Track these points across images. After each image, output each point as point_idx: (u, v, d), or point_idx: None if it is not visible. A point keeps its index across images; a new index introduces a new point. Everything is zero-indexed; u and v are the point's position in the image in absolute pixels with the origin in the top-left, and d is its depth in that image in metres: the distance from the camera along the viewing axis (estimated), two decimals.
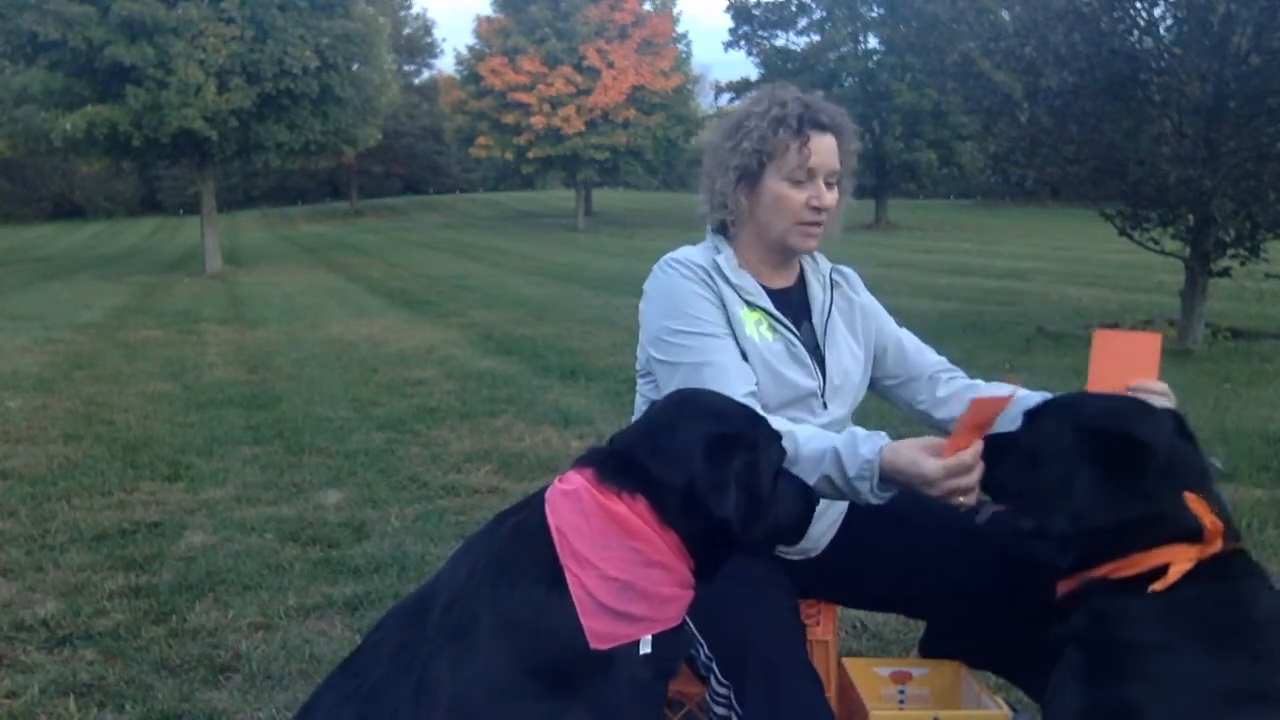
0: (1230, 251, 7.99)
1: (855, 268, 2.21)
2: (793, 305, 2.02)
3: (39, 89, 16.15)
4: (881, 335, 2.13)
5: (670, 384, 1.86)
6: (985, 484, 1.64)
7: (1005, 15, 8.44)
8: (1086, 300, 11.33)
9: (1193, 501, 1.48)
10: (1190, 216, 7.99)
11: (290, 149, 18.42)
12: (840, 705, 1.93)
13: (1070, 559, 1.58)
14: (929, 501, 2.06)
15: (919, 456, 1.59)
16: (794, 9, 32.50)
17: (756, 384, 1.85)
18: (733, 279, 1.94)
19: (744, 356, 1.88)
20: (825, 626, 2.00)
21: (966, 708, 1.98)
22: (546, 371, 7.31)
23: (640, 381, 2.03)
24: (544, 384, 6.86)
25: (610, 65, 30.51)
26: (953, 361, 2.18)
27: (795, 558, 1.97)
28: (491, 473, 4.65)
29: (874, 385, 2.13)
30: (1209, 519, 1.47)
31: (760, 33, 33.17)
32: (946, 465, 1.57)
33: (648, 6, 32.83)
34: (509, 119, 30.65)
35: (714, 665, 1.70)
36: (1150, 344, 1.81)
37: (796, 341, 1.95)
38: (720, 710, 1.68)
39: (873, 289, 2.21)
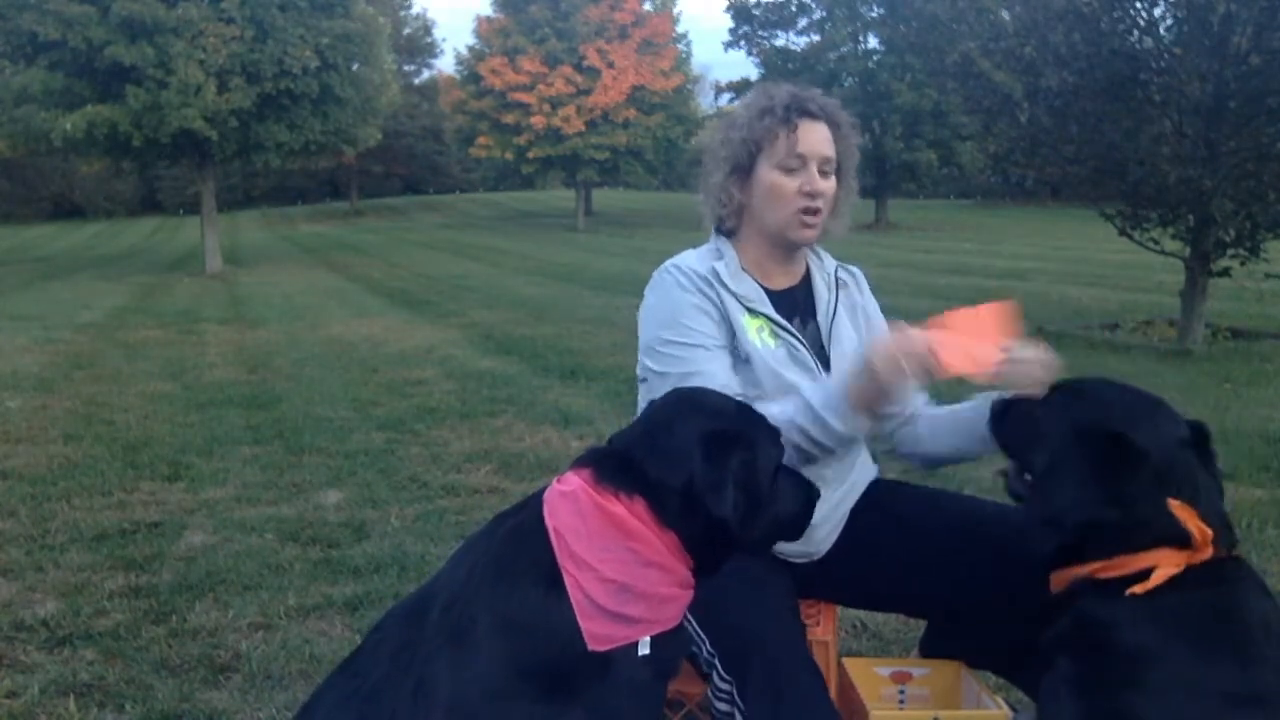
0: (1230, 251, 7.99)
1: (858, 267, 2.21)
2: (797, 305, 2.02)
3: (39, 89, 16.14)
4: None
5: (661, 392, 1.85)
6: (999, 438, 1.76)
7: (1005, 15, 8.44)
8: (1086, 300, 11.32)
9: (1178, 509, 1.48)
10: (1190, 216, 7.98)
11: (290, 149, 18.40)
12: (840, 705, 1.93)
13: (1054, 546, 1.60)
14: (930, 502, 2.07)
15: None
16: (794, 9, 32.49)
17: (745, 396, 1.83)
18: (733, 286, 1.93)
19: (748, 361, 1.88)
20: (825, 626, 2.00)
21: (966, 708, 1.98)
22: (546, 371, 7.31)
23: (641, 385, 2.03)
24: (544, 384, 6.86)
25: (610, 65, 30.50)
26: None
27: (797, 560, 1.97)
28: (491, 473, 4.65)
29: None
30: (1196, 526, 1.47)
31: (760, 33, 33.16)
32: (892, 338, 1.67)
33: (648, 6, 32.82)
34: (509, 119, 30.64)
35: (716, 661, 1.70)
36: (995, 313, 1.76)
37: (799, 345, 1.94)
38: (723, 706, 1.68)
39: (873, 289, 2.20)
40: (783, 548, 1.93)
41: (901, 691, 2.04)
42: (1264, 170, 7.43)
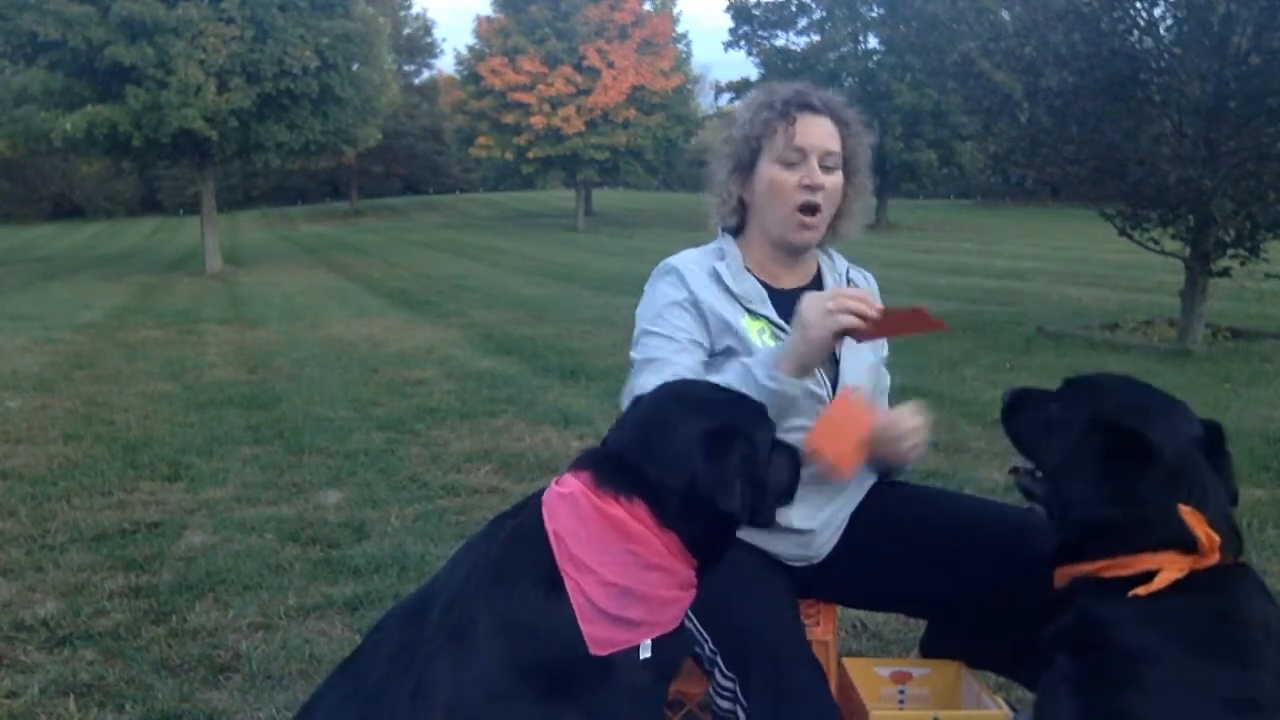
0: (1230, 251, 8.00)
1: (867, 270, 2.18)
2: None
3: (39, 89, 16.13)
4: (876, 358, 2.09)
5: (635, 380, 1.86)
6: (1009, 431, 1.74)
7: (1005, 15, 8.44)
8: (1086, 300, 11.33)
9: (1187, 514, 1.47)
10: (1190, 216, 7.99)
11: (290, 149, 18.40)
12: (840, 705, 1.93)
13: (1058, 542, 1.59)
14: (930, 502, 2.07)
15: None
16: (794, 9, 32.50)
17: None
18: (734, 287, 1.93)
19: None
20: (825, 626, 2.00)
21: (966, 708, 1.98)
22: (546, 371, 7.31)
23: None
24: (544, 384, 6.86)
25: (610, 65, 30.50)
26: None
27: (797, 564, 1.96)
28: (491, 473, 4.65)
29: None
30: (1203, 531, 1.46)
31: (760, 33, 33.18)
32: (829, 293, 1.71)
33: (648, 6, 32.82)
34: (509, 119, 30.64)
35: (719, 660, 1.70)
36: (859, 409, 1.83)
37: None
38: (725, 704, 1.68)
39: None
40: (782, 551, 1.93)
41: (901, 691, 2.04)
42: (1264, 170, 7.43)
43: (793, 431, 1.75)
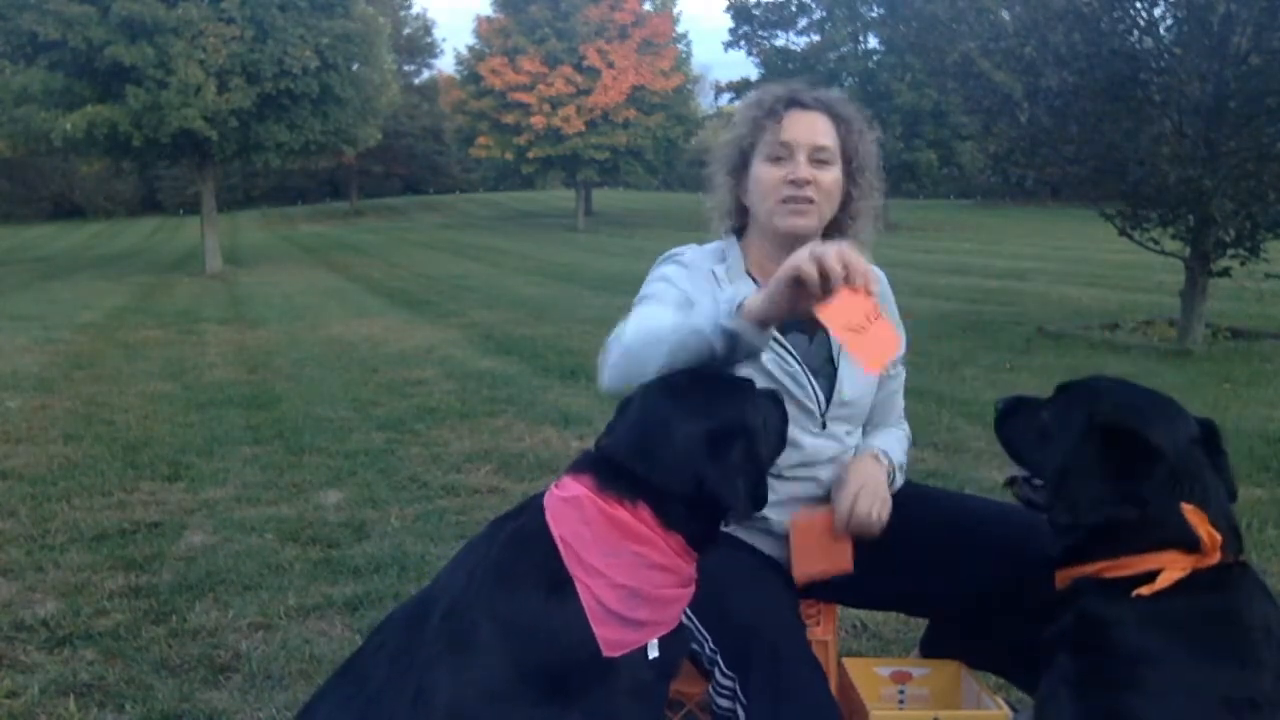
0: (1230, 251, 8.00)
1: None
2: None
3: (39, 89, 16.13)
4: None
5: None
6: (1003, 439, 1.72)
7: (1005, 15, 8.44)
8: (1086, 300, 11.33)
9: (1190, 513, 1.47)
10: (1190, 216, 7.99)
11: (290, 149, 18.41)
12: (840, 705, 1.93)
13: (1062, 546, 1.59)
14: (929, 502, 2.07)
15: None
16: (794, 9, 32.54)
17: None
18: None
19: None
20: (825, 626, 2.00)
21: (966, 708, 1.98)
22: (546, 371, 7.31)
23: None
24: (544, 384, 6.86)
25: (610, 65, 30.51)
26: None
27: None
28: (491, 473, 4.65)
29: None
30: (1206, 530, 1.46)
31: (760, 33, 33.22)
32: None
33: (648, 6, 32.83)
34: (509, 119, 30.65)
35: (719, 658, 1.70)
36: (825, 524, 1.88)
37: (790, 358, 1.90)
38: (725, 703, 1.68)
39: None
40: (783, 556, 1.93)
41: (901, 691, 2.04)
42: (1264, 170, 7.43)
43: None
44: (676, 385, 1.58)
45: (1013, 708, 1.96)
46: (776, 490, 1.86)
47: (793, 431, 1.83)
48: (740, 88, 33.06)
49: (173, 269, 20.07)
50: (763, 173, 1.89)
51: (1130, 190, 8.06)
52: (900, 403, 2.12)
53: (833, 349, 1.95)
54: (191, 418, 5.95)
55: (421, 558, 3.50)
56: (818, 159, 1.88)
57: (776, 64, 31.58)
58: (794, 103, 1.90)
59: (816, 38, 32.56)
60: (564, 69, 30.41)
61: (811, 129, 1.88)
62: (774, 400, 1.70)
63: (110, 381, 7.24)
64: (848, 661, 2.02)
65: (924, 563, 1.95)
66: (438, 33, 75.35)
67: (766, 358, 1.86)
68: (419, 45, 50.28)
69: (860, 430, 2.03)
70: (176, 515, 4.08)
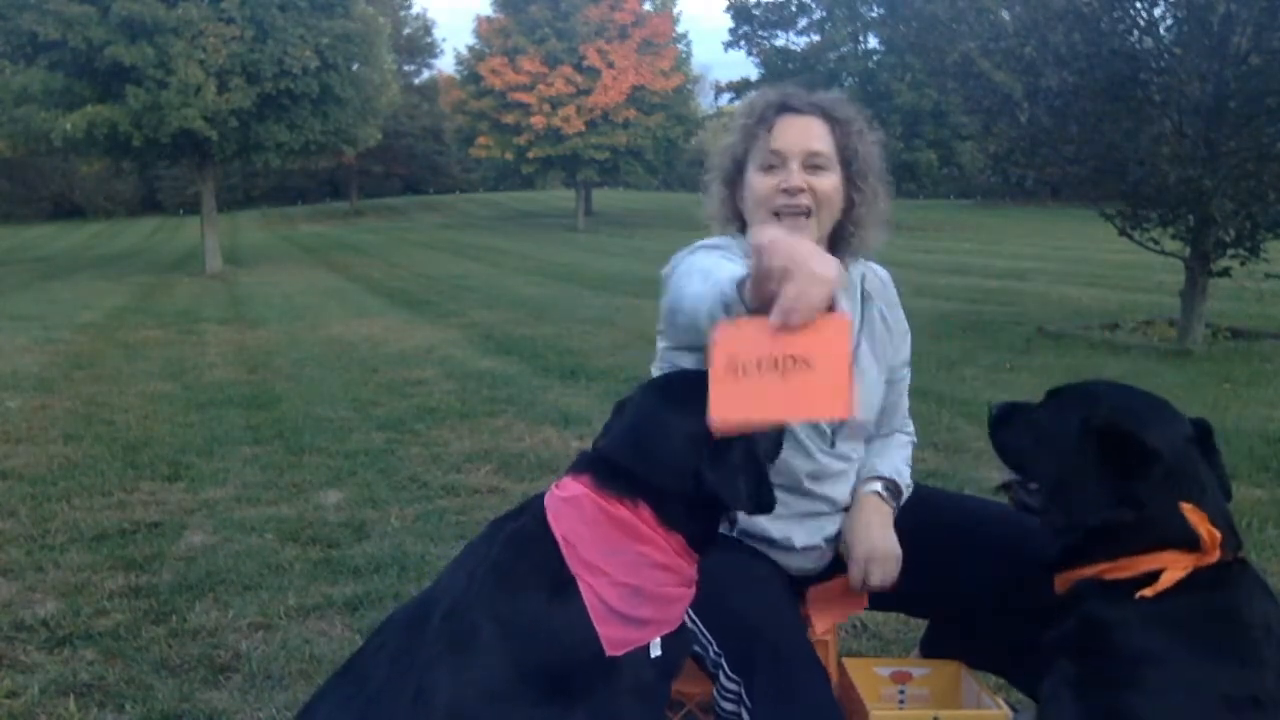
0: (1230, 251, 8.00)
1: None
2: None
3: (39, 89, 16.13)
4: (890, 370, 2.02)
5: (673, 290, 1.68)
6: (997, 445, 1.72)
7: (1005, 15, 8.44)
8: (1086, 300, 11.33)
9: (1189, 512, 1.47)
10: (1190, 216, 7.99)
11: (290, 149, 18.41)
12: (840, 705, 1.93)
13: (1059, 550, 1.59)
14: (929, 503, 2.07)
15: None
16: (794, 9, 32.59)
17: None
18: None
19: None
20: (825, 627, 2.00)
21: (966, 708, 1.97)
22: (546, 371, 7.31)
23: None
24: (544, 384, 6.86)
25: (610, 65, 30.52)
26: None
27: (797, 574, 1.96)
28: (491, 473, 4.65)
29: None
30: (1205, 529, 1.46)
31: (760, 33, 33.27)
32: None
33: (648, 6, 32.84)
34: (509, 119, 30.65)
35: (723, 662, 1.70)
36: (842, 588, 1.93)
37: None
38: (729, 706, 1.68)
39: None
40: (784, 562, 1.93)
41: (901, 691, 2.04)
42: (1264, 170, 7.43)
43: None
44: (673, 385, 1.59)
45: (1013, 708, 1.96)
46: (789, 505, 1.87)
47: (796, 456, 1.83)
48: (740, 88, 33.11)
49: (173, 269, 20.07)
50: (756, 182, 1.84)
51: (1130, 190, 8.06)
52: (905, 404, 2.12)
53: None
54: (191, 418, 5.95)
55: (421, 558, 3.50)
56: (812, 164, 1.82)
57: (776, 64, 31.64)
58: (785, 108, 1.85)
59: (816, 38, 32.60)
60: (564, 69, 30.42)
61: (804, 134, 1.82)
62: None
63: (110, 381, 7.24)
64: (848, 661, 2.02)
65: (924, 563, 1.95)
66: (438, 33, 75.42)
67: None
68: (419, 45, 50.28)
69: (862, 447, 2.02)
70: (176, 515, 4.08)
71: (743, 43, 33.94)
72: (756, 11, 33.14)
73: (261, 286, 15.55)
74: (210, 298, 14.11)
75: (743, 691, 1.66)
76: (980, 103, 8.66)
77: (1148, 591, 1.44)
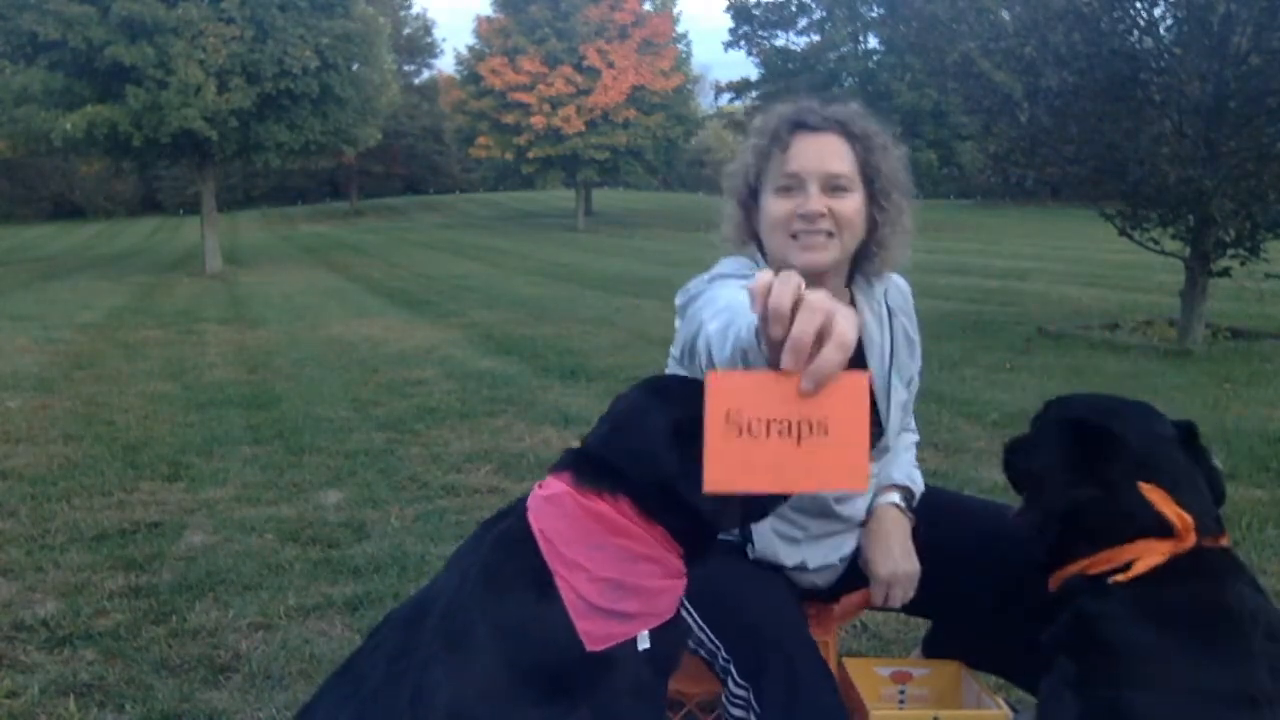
0: (1230, 251, 7.99)
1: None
2: None
3: (39, 89, 16.14)
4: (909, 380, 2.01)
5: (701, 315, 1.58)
6: (1008, 475, 1.75)
7: (1005, 15, 8.44)
8: (1086, 300, 11.33)
9: (1148, 491, 1.48)
10: (1190, 216, 7.99)
11: (290, 149, 18.42)
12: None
13: (1044, 547, 1.62)
14: (930, 503, 2.07)
15: None
16: (794, 9, 32.60)
17: None
18: None
19: None
20: (825, 627, 2.00)
21: (966, 708, 1.97)
22: (546, 371, 7.32)
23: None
24: (544, 384, 6.86)
25: (610, 65, 30.53)
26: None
27: (808, 589, 1.96)
28: (491, 473, 4.65)
29: None
30: (1172, 510, 1.47)
31: (760, 33, 33.27)
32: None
33: (648, 6, 32.86)
34: (509, 119, 30.67)
35: (731, 667, 1.70)
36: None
37: None
38: (738, 712, 1.67)
39: None
40: (796, 579, 1.92)
41: (901, 691, 2.04)
42: (1264, 170, 7.43)
43: None
44: (663, 382, 1.58)
45: (1013, 708, 1.96)
46: (809, 529, 1.87)
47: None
48: (740, 88, 33.11)
49: (173, 269, 20.07)
50: (772, 206, 1.73)
51: (1130, 190, 8.06)
52: (911, 407, 2.11)
53: (876, 391, 1.84)
54: (191, 418, 5.95)
55: (421, 558, 3.50)
56: (833, 186, 1.71)
57: (776, 64, 31.65)
58: (801, 125, 1.73)
59: (816, 38, 32.61)
60: (564, 69, 30.43)
61: (821, 155, 1.71)
62: None
63: (110, 381, 7.24)
64: (848, 661, 2.02)
65: (924, 563, 1.95)
66: (438, 33, 75.52)
67: None
68: (419, 45, 50.31)
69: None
70: (176, 515, 4.08)
71: (743, 43, 33.96)
72: (756, 11, 33.15)
73: (261, 286, 15.55)
74: (210, 298, 14.11)
75: (751, 697, 1.65)
76: (980, 103, 8.66)
77: (1121, 577, 1.46)
